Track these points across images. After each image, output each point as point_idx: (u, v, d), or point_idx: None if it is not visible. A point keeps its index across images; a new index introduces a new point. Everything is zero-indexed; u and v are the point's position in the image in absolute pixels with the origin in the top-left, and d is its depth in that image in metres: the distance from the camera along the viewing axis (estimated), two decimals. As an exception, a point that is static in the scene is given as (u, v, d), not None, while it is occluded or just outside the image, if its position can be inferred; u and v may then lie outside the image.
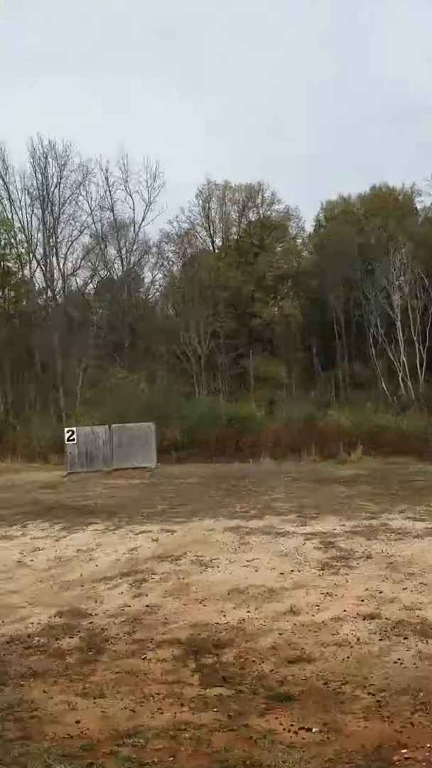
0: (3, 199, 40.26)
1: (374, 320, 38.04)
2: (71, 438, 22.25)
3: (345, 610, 6.40)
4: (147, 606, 6.93)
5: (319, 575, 7.69)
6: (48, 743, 4.19)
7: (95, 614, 6.79)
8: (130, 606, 6.98)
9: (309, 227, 50.96)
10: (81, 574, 8.42)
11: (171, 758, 3.93)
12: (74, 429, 22.76)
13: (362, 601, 6.67)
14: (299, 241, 50.72)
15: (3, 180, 40.46)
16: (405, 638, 5.64)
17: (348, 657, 5.33)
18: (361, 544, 9.10)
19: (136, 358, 39.30)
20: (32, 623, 6.63)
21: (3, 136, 67.48)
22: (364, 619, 6.13)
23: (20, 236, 40.89)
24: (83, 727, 4.41)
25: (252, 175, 77.17)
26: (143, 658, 5.56)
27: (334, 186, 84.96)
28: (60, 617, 6.75)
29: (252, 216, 48.85)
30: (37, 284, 42.43)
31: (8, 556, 9.78)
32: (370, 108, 75.67)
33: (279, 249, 48.69)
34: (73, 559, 9.31)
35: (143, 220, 44.11)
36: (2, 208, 40.26)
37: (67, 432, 22.58)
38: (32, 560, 9.40)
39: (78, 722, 4.48)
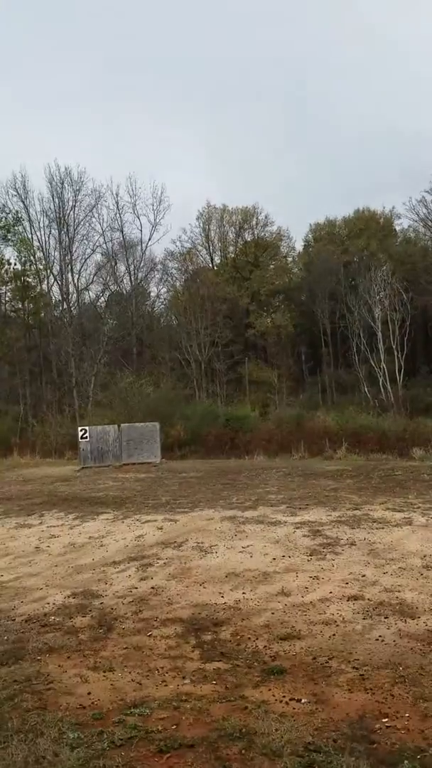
0: (24, 220, 40.49)
1: (357, 331, 38.16)
2: (84, 436, 22.22)
3: (331, 592, 6.37)
4: (152, 588, 6.90)
5: (308, 560, 7.65)
6: (62, 713, 4.16)
7: (105, 595, 6.76)
8: (137, 588, 6.95)
9: (299, 247, 51.32)
10: (93, 559, 8.38)
11: (174, 726, 3.91)
12: (87, 428, 22.73)
13: (347, 583, 6.64)
14: (290, 259, 50.98)
15: (24, 203, 40.69)
16: (386, 617, 5.61)
17: (334, 634, 5.30)
18: (346, 532, 9.06)
19: (143, 364, 39.34)
20: (48, 603, 6.59)
21: (24, 163, 67.98)
22: (348, 600, 6.10)
23: (39, 254, 41.19)
24: (94, 698, 4.38)
25: (248, 198, 77.55)
26: (149, 635, 5.53)
27: (321, 209, 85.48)
28: (73, 598, 6.71)
29: (247, 236, 49.13)
30: (54, 297, 42.68)
31: (27, 542, 9.74)
32: (356, 137, 75.94)
33: (272, 266, 48.91)
34: (86, 545, 9.27)
35: (150, 239, 44.43)
36: (23, 229, 40.45)
37: (81, 430, 22.55)
38: (49, 546, 9.36)
39: (89, 694, 4.45)
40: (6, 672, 4.89)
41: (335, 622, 5.57)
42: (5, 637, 5.67)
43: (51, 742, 3.75)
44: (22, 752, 3.64)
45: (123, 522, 10.88)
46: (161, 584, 7.01)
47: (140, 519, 11.03)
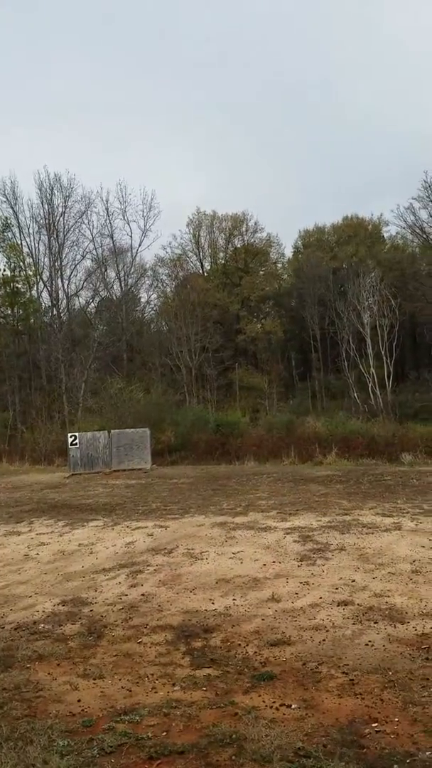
0: (13, 226, 40.43)
1: (346, 336, 38.33)
2: (74, 442, 22.14)
3: (321, 598, 6.39)
4: (142, 595, 6.89)
5: (298, 566, 7.67)
6: (52, 720, 4.15)
7: (95, 602, 6.74)
8: (127, 595, 6.94)
9: (288, 253, 51.51)
10: (82, 566, 8.35)
11: (164, 733, 3.91)
12: (77, 434, 22.65)
13: (336, 589, 6.66)
14: (279, 265, 51.21)
15: (13, 209, 40.62)
16: (375, 623, 5.64)
17: (324, 640, 5.32)
18: (336, 537, 9.10)
19: (133, 370, 39.26)
20: (38, 611, 6.57)
21: (13, 169, 67.94)
22: (338, 606, 6.12)
23: (28, 260, 41.09)
24: (84, 705, 4.37)
25: (237, 205, 77.89)
26: (139, 642, 5.52)
27: (310, 216, 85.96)
28: (63, 605, 6.69)
29: (237, 243, 49.28)
30: (43, 303, 42.56)
31: (16, 550, 9.69)
32: (351, 140, 76.34)
33: (261, 272, 49.11)
34: (75, 552, 9.24)
35: (140, 245, 44.50)
36: (13, 235, 40.38)
37: (70, 437, 22.46)
38: (38, 554, 9.31)
39: (79, 701, 4.44)
40: (-5, 680, 4.86)
41: (325, 627, 5.59)
42: (-6, 646, 5.64)
43: (41, 750, 3.73)
44: (11, 760, 3.62)
45: (113, 529, 10.84)
46: (151, 591, 7.00)
47: (130, 525, 11.00)
